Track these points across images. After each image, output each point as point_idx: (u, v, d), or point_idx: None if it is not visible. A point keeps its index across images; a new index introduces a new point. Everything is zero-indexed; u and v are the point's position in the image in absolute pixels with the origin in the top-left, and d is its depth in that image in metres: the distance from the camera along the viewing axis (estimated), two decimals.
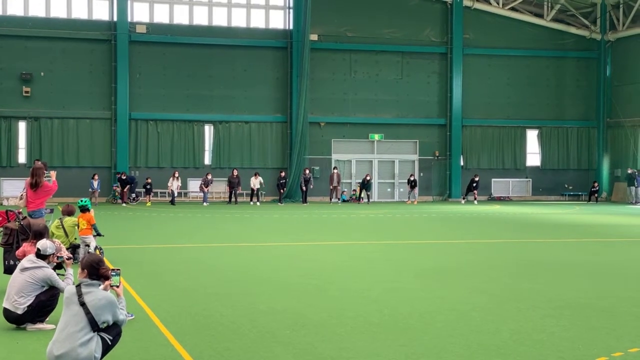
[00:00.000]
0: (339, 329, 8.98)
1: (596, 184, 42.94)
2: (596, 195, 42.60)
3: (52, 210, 18.75)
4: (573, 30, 44.44)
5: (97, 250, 14.54)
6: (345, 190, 41.58)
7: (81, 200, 15.14)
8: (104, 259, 7.11)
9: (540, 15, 44.14)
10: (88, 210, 14.89)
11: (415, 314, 9.88)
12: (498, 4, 43.25)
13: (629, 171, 40.66)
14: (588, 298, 11.16)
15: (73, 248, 14.61)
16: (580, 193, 44.19)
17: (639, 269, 14.88)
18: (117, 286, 6.96)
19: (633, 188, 40.33)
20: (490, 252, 17.33)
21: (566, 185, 44.62)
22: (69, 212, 14.97)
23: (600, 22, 44.25)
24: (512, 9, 43.50)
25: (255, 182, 37.79)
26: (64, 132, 38.34)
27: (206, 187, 37.15)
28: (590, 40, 44.63)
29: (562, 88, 44.78)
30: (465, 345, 8.23)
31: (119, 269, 7.01)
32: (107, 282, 6.89)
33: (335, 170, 40.03)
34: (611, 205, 39.36)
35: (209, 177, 37.58)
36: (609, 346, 8.17)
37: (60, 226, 14.77)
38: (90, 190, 35.61)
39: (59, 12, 38.69)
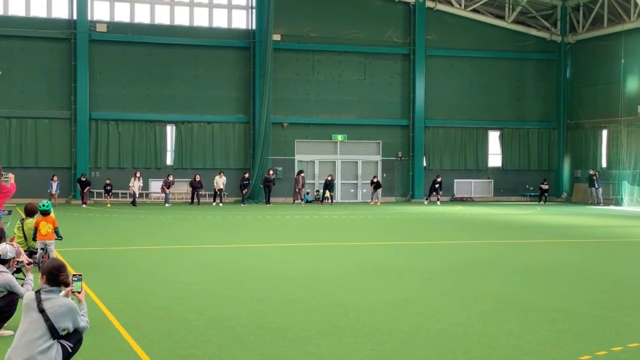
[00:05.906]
0: (304, 333, 8.89)
1: (546, 182, 43.33)
2: (545, 195, 42.94)
3: (10, 212, 18.42)
4: (534, 32, 44.80)
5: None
6: (309, 191, 41.46)
7: (42, 205, 14.13)
8: (66, 264, 6.89)
9: (502, 17, 44.46)
10: (49, 213, 14.02)
11: (382, 317, 9.82)
12: (460, 5, 43.48)
13: (591, 172, 41.08)
14: (552, 300, 11.18)
15: (30, 253, 13.71)
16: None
17: (600, 271, 15.03)
18: (79, 292, 6.77)
19: (593, 189, 40.75)
20: (454, 254, 17.34)
21: (527, 186, 44.98)
22: (31, 212, 14.23)
23: (561, 25, 44.71)
24: (474, 10, 43.75)
25: (220, 181, 37.45)
26: (22, 132, 37.68)
27: (168, 189, 36.75)
28: (550, 42, 45.04)
29: (523, 89, 45.16)
30: (432, 349, 8.19)
31: (80, 274, 6.82)
32: (68, 289, 6.70)
33: (302, 174, 39.87)
34: (572, 206, 39.77)
35: (170, 178, 37.22)
36: (575, 349, 8.18)
37: (21, 228, 14.17)
38: (49, 191, 35.01)
39: (17, 10, 38.01)
